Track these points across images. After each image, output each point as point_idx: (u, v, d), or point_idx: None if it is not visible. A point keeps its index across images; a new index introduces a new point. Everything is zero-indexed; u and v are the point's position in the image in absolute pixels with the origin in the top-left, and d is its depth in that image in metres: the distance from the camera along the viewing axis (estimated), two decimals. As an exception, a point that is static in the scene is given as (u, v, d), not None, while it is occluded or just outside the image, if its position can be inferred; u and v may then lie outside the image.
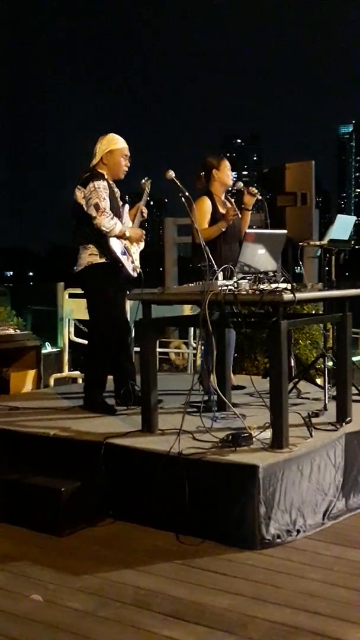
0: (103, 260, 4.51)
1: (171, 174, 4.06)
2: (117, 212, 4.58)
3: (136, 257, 4.71)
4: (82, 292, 4.83)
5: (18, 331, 6.00)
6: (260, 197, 4.92)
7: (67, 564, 3.11)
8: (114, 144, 4.58)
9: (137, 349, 4.92)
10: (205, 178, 4.95)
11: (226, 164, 4.98)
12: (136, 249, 4.72)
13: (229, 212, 4.78)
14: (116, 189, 4.69)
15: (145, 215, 4.85)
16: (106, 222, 4.41)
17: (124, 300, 4.75)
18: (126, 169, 4.66)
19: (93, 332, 4.75)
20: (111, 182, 4.62)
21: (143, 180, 4.79)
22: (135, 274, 4.65)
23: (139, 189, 4.82)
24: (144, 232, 4.78)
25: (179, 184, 4.09)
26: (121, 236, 4.53)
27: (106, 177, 4.55)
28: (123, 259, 4.54)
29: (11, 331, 5.90)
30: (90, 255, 4.52)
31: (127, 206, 4.78)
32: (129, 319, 5.10)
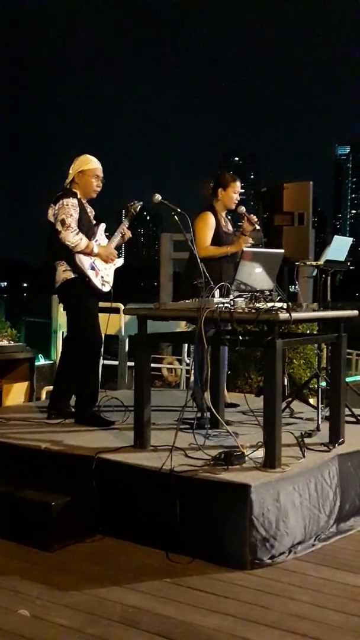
0: (76, 275, 4.57)
1: (157, 197, 4.08)
2: (88, 230, 4.63)
3: (109, 272, 4.74)
4: (63, 307, 4.87)
5: (12, 342, 5.98)
6: (258, 228, 4.94)
7: (55, 580, 3.08)
8: (86, 164, 4.66)
9: (131, 363, 4.90)
10: (212, 190, 5.00)
11: (234, 187, 4.99)
12: (110, 265, 4.74)
13: (242, 239, 4.81)
14: (89, 208, 4.75)
15: (126, 237, 4.86)
16: (70, 236, 4.47)
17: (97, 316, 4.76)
18: (98, 189, 4.72)
19: (78, 346, 4.72)
20: (84, 201, 4.68)
21: (130, 203, 4.81)
22: (105, 289, 4.69)
23: (125, 209, 4.83)
24: (115, 252, 4.79)
25: (168, 203, 4.10)
26: (89, 253, 4.57)
27: (79, 195, 4.62)
28: (90, 273, 4.58)
29: (5, 342, 5.89)
30: (64, 272, 4.59)
31: (103, 225, 4.83)
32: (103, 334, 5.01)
